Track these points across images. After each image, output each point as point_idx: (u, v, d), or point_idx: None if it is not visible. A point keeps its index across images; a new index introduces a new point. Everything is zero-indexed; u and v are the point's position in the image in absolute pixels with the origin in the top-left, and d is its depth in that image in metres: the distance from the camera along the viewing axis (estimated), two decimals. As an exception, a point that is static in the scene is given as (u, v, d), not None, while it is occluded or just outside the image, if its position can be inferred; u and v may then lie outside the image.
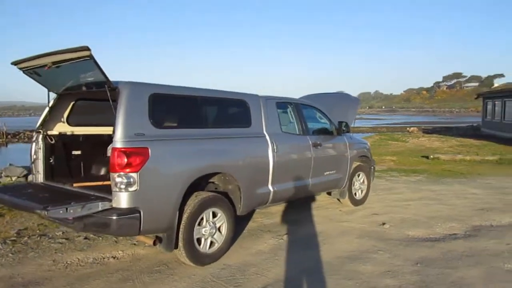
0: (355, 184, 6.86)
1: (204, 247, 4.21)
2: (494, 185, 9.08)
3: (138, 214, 3.54)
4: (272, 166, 4.93)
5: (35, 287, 3.73)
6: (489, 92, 32.47)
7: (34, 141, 4.55)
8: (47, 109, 4.49)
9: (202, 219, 4.16)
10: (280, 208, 6.67)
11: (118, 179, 3.50)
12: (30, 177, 4.74)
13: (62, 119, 4.74)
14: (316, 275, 4.01)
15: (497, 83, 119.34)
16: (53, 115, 4.59)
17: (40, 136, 4.52)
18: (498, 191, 8.28)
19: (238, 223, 5.59)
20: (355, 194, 6.90)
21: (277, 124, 5.23)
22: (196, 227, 4.10)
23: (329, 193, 6.78)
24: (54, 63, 3.74)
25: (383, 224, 5.80)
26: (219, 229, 4.38)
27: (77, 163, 4.98)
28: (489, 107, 26.06)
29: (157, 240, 3.95)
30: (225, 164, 4.34)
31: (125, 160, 3.48)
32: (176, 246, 4.00)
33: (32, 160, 4.55)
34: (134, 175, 3.51)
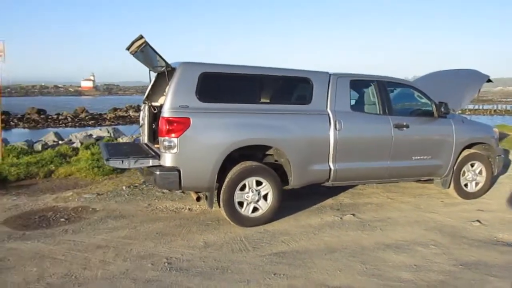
0: (466, 174, 6.03)
1: (246, 211, 4.68)
2: None
3: (177, 172, 4.30)
4: (332, 144, 4.95)
5: (120, 219, 4.94)
6: None
7: (142, 110, 5.80)
8: (149, 86, 5.63)
9: (244, 185, 4.63)
10: (376, 190, 6.49)
11: (163, 143, 4.31)
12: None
13: (164, 93, 5.82)
14: (335, 254, 4.03)
15: None
16: (156, 90, 5.70)
17: (146, 106, 5.72)
18: None
19: (317, 198, 5.84)
20: (466, 185, 6.07)
21: (346, 102, 5.15)
22: (238, 191, 4.60)
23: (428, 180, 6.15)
24: (137, 47, 4.73)
25: (475, 221, 5.05)
26: (264, 197, 4.76)
27: None
28: None
29: (202, 197, 4.67)
30: (270, 138, 4.65)
31: (169, 127, 4.25)
32: (220, 205, 4.63)
33: (140, 125, 5.83)
34: (175, 140, 4.26)
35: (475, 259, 3.99)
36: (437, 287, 3.41)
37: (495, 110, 50.27)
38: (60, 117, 37.46)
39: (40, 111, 39.69)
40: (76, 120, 36.44)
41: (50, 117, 37.71)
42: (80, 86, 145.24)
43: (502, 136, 13.01)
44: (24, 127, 32.80)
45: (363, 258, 3.93)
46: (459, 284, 3.47)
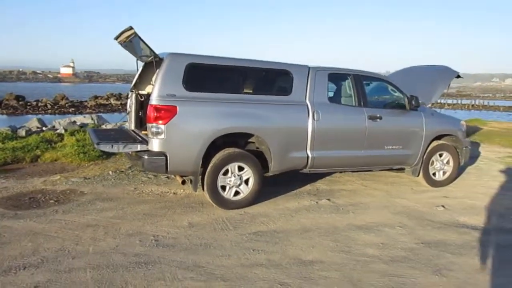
0: (434, 163, 6.46)
1: (228, 194, 4.99)
2: None
3: (164, 157, 4.56)
4: (310, 132, 5.28)
5: (108, 201, 5.19)
6: None
7: (129, 97, 6.01)
8: (137, 75, 5.84)
9: (227, 170, 4.93)
10: (351, 178, 6.87)
11: (151, 129, 4.56)
12: (127, 125, 6.27)
13: (152, 82, 6.04)
14: (309, 234, 4.38)
15: None
16: (143, 79, 5.91)
17: (133, 94, 5.93)
18: None
19: (296, 184, 6.18)
20: (434, 174, 6.51)
21: (324, 94, 5.48)
22: (221, 176, 4.90)
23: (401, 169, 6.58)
24: (126, 37, 4.94)
25: (440, 207, 5.48)
26: (246, 181, 5.07)
27: None
28: None
29: (187, 181, 4.95)
30: (252, 126, 4.94)
31: (156, 114, 4.50)
32: (203, 189, 4.92)
33: (127, 112, 6.05)
34: (162, 126, 4.51)
35: (436, 239, 4.40)
36: (399, 261, 3.80)
37: (472, 105, 51.68)
38: (40, 104, 36.90)
39: (18, 97, 38.94)
40: (56, 107, 35.95)
41: (29, 103, 37.09)
42: (59, 73, 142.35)
43: (475, 130, 13.67)
44: (2, 113, 32.23)
45: (335, 237, 4.30)
46: (419, 258, 3.86)
